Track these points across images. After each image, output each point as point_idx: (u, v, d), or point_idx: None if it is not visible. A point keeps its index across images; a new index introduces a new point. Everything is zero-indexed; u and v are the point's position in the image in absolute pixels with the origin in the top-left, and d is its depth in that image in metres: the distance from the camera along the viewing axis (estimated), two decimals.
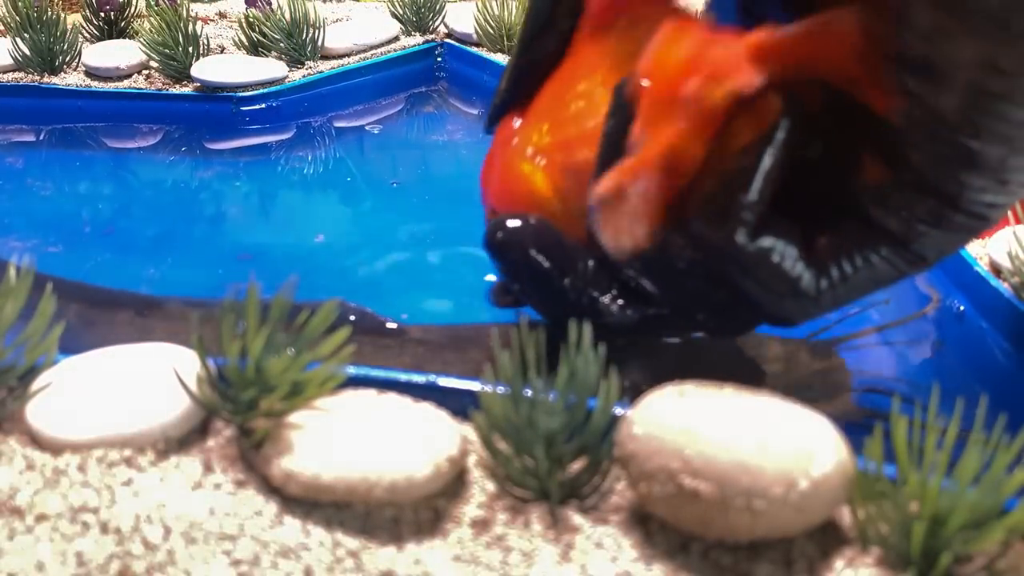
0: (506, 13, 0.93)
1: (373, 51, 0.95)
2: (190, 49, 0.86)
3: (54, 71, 0.89)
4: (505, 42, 0.94)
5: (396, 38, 0.98)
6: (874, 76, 0.31)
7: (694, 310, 0.38)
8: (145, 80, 0.88)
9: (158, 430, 0.33)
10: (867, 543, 0.29)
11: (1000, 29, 0.27)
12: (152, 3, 1.00)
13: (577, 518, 0.31)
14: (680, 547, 0.30)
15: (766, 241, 0.33)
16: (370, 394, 0.34)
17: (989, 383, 0.49)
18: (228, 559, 0.29)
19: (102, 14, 0.96)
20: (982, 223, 0.32)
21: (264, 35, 0.90)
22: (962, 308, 0.53)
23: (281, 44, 0.90)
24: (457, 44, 0.97)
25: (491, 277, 0.46)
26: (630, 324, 0.39)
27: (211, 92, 0.85)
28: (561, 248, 0.39)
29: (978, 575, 0.28)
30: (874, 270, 0.33)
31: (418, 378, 0.36)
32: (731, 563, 0.29)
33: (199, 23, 0.89)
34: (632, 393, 0.33)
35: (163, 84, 0.87)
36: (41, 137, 0.86)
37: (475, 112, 0.91)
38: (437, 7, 1.00)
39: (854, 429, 0.31)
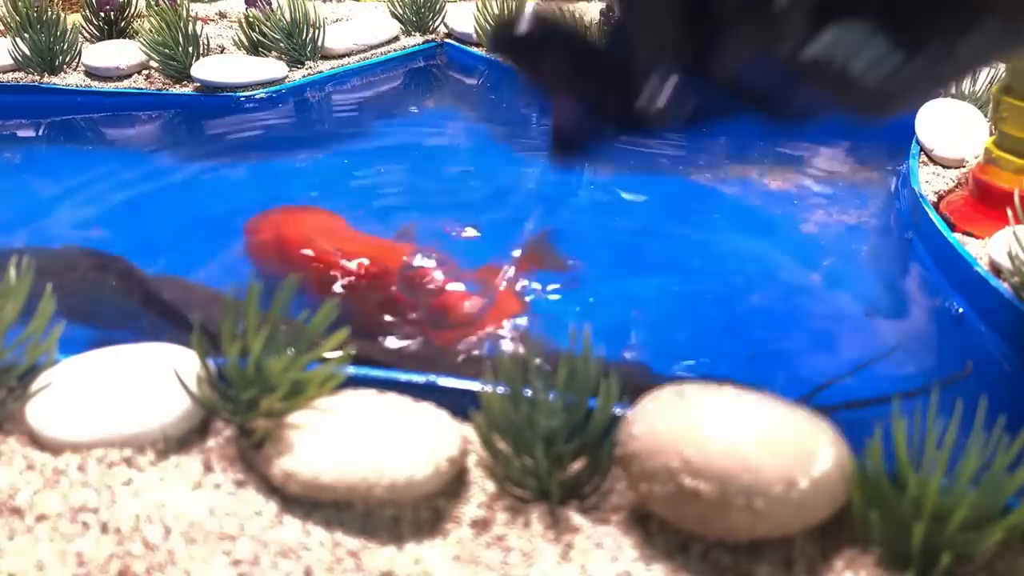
0: (506, 13, 0.93)
1: (373, 51, 0.95)
2: (190, 49, 0.87)
3: (54, 71, 0.89)
4: None
5: (396, 38, 0.98)
6: None
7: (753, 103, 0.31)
8: (145, 80, 0.88)
9: (158, 430, 0.33)
10: (867, 543, 0.29)
11: None
12: (152, 3, 1.00)
13: (577, 518, 0.31)
14: (680, 547, 0.30)
15: (826, 39, 0.26)
16: (370, 394, 0.34)
17: (989, 383, 0.49)
18: (228, 559, 0.29)
19: (102, 14, 0.96)
20: None
21: (264, 35, 0.90)
22: (960, 311, 0.53)
23: (281, 44, 0.90)
24: (457, 44, 0.98)
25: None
26: (678, 114, 0.32)
27: (211, 92, 0.85)
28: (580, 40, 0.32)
29: (978, 575, 0.28)
30: (970, 46, 0.27)
31: (418, 378, 0.36)
32: (731, 563, 0.29)
33: (199, 23, 0.89)
34: (632, 393, 0.32)
35: (163, 84, 0.87)
36: (40, 135, 0.86)
37: (473, 114, 0.91)
38: (437, 7, 1.00)
39: (854, 429, 0.31)
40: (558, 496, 0.31)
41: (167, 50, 0.86)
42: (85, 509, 0.30)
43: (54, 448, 0.33)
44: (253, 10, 0.92)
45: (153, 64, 0.88)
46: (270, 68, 0.86)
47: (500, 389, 0.32)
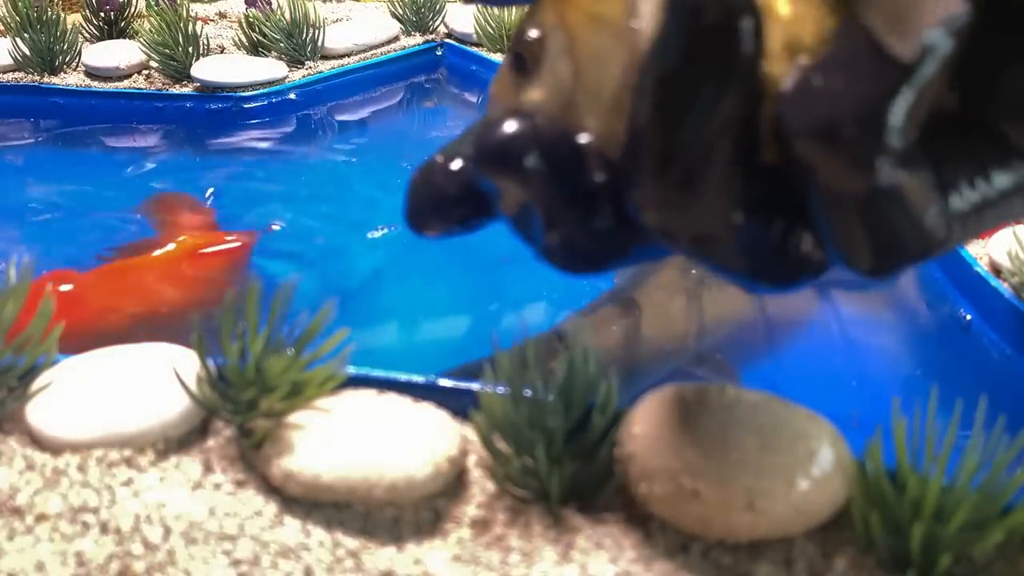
0: (506, 13, 0.93)
1: (373, 51, 0.95)
2: (190, 49, 0.87)
3: (54, 71, 0.89)
4: (505, 42, 0.94)
5: (396, 38, 0.98)
6: None
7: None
8: (145, 80, 0.88)
9: (158, 430, 0.33)
10: (867, 543, 0.29)
11: None
12: (152, 3, 1.00)
13: (577, 518, 0.31)
14: (680, 547, 0.30)
15: (909, 172, 0.24)
16: (370, 394, 0.34)
17: (989, 383, 0.49)
18: (228, 559, 0.29)
19: (102, 14, 0.96)
20: None
21: (264, 35, 0.90)
22: (969, 318, 0.53)
23: (281, 44, 0.90)
24: (457, 44, 0.98)
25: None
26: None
27: (211, 92, 0.85)
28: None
29: (978, 575, 0.28)
30: (1010, 203, 0.25)
31: (418, 378, 0.36)
32: (731, 563, 0.29)
33: (199, 23, 0.89)
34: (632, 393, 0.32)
35: (163, 84, 0.87)
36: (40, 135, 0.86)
37: (472, 112, 0.91)
38: (437, 7, 1.01)
39: (854, 429, 0.31)
40: (558, 496, 0.31)
41: (167, 50, 0.86)
42: (85, 509, 0.30)
43: (54, 448, 0.33)
44: (253, 10, 0.92)
45: (153, 64, 0.88)
46: (270, 68, 0.86)
47: (500, 389, 0.32)
